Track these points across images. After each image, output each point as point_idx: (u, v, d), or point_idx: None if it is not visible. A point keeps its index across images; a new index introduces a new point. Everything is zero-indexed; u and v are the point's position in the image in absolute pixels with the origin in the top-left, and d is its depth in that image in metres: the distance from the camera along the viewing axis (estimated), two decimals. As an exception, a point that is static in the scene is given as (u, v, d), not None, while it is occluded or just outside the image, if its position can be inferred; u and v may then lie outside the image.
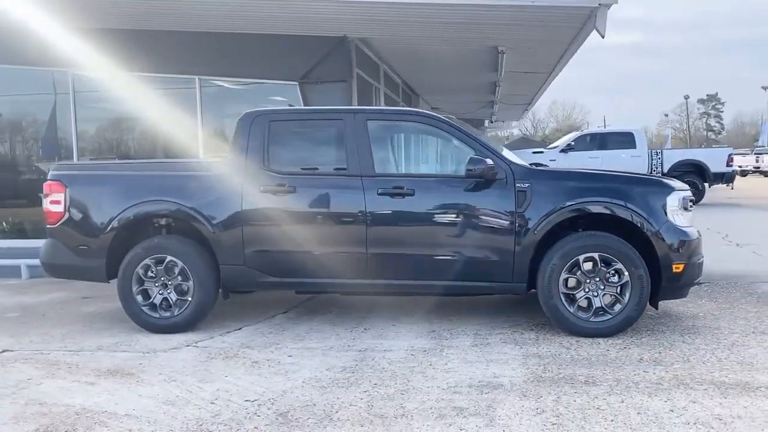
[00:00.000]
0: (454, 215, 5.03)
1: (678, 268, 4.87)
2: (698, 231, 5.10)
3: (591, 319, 4.91)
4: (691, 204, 5.12)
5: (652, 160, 17.14)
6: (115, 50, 8.92)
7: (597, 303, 4.91)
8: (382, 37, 9.40)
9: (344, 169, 5.21)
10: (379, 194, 5.06)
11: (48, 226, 5.56)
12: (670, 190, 4.99)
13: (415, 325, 5.43)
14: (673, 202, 4.93)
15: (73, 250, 5.44)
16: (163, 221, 5.54)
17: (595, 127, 37.26)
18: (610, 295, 4.93)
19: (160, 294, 5.31)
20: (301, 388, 4.02)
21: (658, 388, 3.86)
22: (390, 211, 5.08)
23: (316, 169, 5.37)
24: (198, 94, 9.57)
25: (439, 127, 5.27)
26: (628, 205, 4.87)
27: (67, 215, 5.44)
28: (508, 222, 4.95)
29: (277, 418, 3.56)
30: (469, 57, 10.53)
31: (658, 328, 5.15)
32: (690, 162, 17.10)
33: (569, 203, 4.91)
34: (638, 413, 3.51)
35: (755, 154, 37.54)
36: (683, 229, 4.94)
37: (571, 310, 4.91)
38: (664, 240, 4.84)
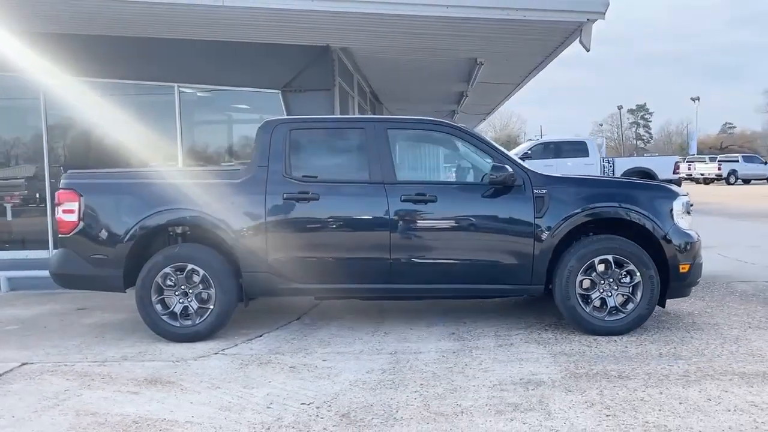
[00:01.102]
0: (476, 221, 5.23)
1: (684, 268, 5.20)
2: (698, 233, 5.45)
3: (605, 318, 5.18)
4: (691, 207, 5.47)
5: (604, 167, 17.86)
6: (91, 56, 8.81)
7: (611, 303, 5.18)
8: (364, 47, 9.53)
9: (366, 176, 5.32)
10: (403, 201, 5.21)
11: (60, 235, 5.46)
12: (676, 195, 5.33)
13: (433, 328, 5.58)
14: (678, 206, 5.26)
15: (87, 260, 5.36)
16: (179, 229, 5.51)
17: (543, 137, 38.28)
18: (623, 295, 5.20)
19: (180, 303, 5.29)
20: (350, 390, 4.11)
21: (688, 380, 4.13)
22: (413, 217, 5.23)
23: (339, 176, 5.45)
24: (177, 101, 9.47)
25: (458, 136, 5.46)
26: (639, 210, 5.17)
27: (81, 224, 5.35)
28: (527, 227, 5.17)
29: (341, 419, 3.65)
30: (446, 68, 10.79)
31: (663, 326, 5.46)
32: (639, 169, 17.91)
33: (585, 208, 5.17)
34: (680, 403, 3.76)
35: (687, 162, 39.38)
36: (687, 231, 5.28)
37: (588, 310, 5.17)
38: (671, 242, 5.16)
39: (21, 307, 7.03)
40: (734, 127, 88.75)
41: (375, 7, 7.28)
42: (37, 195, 9.60)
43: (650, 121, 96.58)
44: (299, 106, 9.30)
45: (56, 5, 7.84)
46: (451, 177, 5.87)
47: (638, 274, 5.12)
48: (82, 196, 5.36)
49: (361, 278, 5.28)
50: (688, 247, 5.22)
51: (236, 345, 5.20)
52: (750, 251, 9.69)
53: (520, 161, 5.43)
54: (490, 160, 5.34)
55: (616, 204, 5.20)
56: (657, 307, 5.44)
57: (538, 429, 3.45)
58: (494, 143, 5.56)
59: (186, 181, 5.48)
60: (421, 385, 4.17)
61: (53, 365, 4.81)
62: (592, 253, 5.15)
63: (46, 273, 7.62)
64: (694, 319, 5.67)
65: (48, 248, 9.41)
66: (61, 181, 5.48)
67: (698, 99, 49.86)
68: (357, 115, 5.51)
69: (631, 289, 5.18)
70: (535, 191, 5.20)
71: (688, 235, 5.26)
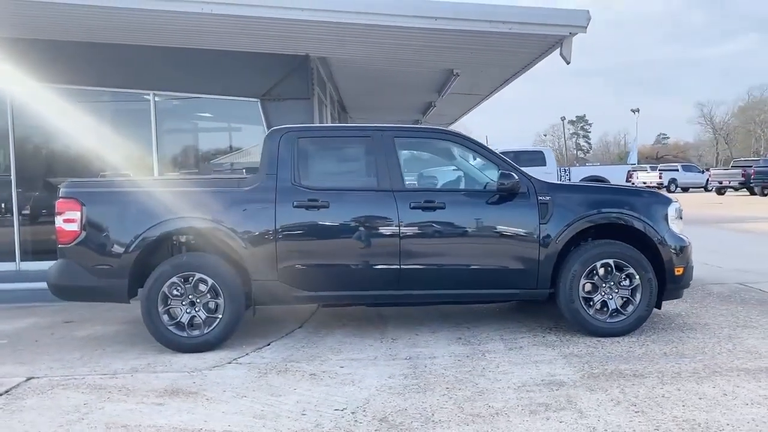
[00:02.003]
0: (484, 227, 5.35)
1: (679, 270, 5.45)
2: (688, 238, 5.71)
3: (607, 320, 5.37)
4: (682, 213, 5.74)
5: (561, 176, 18.38)
6: (62, 63, 8.61)
7: (612, 305, 5.38)
8: (344, 57, 9.61)
9: (375, 184, 5.39)
10: (412, 208, 5.29)
11: (60, 245, 5.31)
12: (669, 201, 5.58)
13: (437, 333, 5.67)
14: (672, 212, 5.52)
15: (90, 271, 5.24)
16: (183, 238, 5.44)
17: (500, 147, 38.97)
18: (623, 298, 5.41)
19: (188, 312, 5.22)
20: (379, 395, 4.16)
21: (699, 377, 4.34)
22: (423, 224, 5.32)
23: (348, 184, 5.50)
24: (152, 109, 9.33)
25: (463, 145, 5.59)
26: (638, 216, 5.40)
27: (83, 234, 5.23)
28: (533, 233, 5.33)
29: (380, 423, 3.69)
30: (420, 78, 10.95)
31: (657, 327, 5.69)
32: (595, 177, 18.51)
33: (587, 214, 5.36)
34: (699, 398, 3.95)
35: (629, 171, 40.70)
36: (681, 236, 5.53)
37: (590, 312, 5.35)
38: (667, 246, 5.40)
39: (2, 321, 6.78)
40: (668, 137, 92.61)
41: (366, 18, 7.38)
42: (2, 205, 9.29)
43: (590, 132, 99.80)
44: (278, 114, 9.31)
45: (28, 9, 7.63)
46: (458, 184, 5.94)
47: (637, 277, 5.34)
48: (84, 205, 5.24)
49: (371, 285, 5.33)
50: (682, 250, 5.48)
51: (247, 354, 5.17)
52: (712, 255, 10.11)
53: (522, 169, 5.59)
54: (494, 168, 5.48)
55: (617, 210, 5.41)
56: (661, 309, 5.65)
57: (576, 427, 3.57)
58: (497, 152, 5.71)
59: (193, 189, 5.42)
60: (447, 388, 4.25)
61: (62, 379, 4.68)
62: (594, 258, 5.34)
63: (11, 286, 7.37)
64: (684, 320, 5.93)
65: (15, 260, 9.13)
66: (62, 190, 5.34)
67: (638, 110, 51.69)
68: (364, 124, 5.55)
69: (630, 291, 5.39)
70: (540, 198, 5.37)
71: (682, 239, 5.52)
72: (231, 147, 10.23)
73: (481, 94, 12.48)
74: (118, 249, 5.20)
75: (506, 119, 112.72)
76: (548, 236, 5.33)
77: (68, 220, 5.24)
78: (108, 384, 4.53)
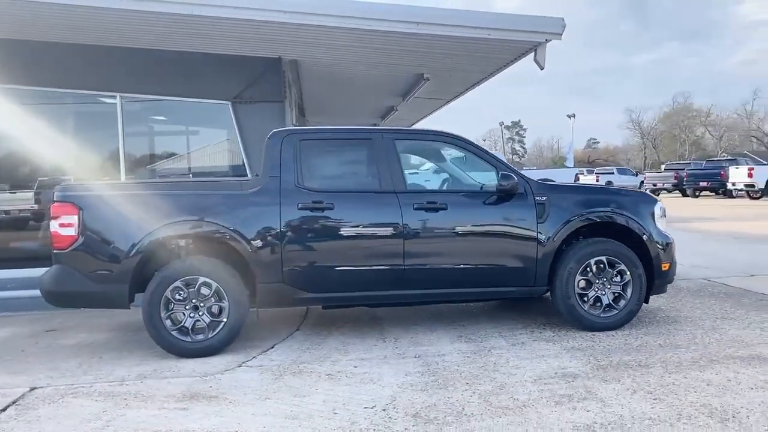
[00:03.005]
0: (485, 227, 5.49)
1: (665, 266, 5.72)
2: (671, 235, 6.01)
3: (601, 315, 5.59)
4: (665, 211, 6.03)
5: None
6: (25, 63, 8.33)
7: (605, 300, 5.61)
8: (316, 60, 9.60)
9: (377, 185, 5.45)
10: (415, 209, 5.38)
11: (56, 251, 5.15)
12: (655, 200, 5.86)
13: (436, 332, 5.76)
14: (657, 210, 5.80)
15: (88, 277, 5.09)
16: (182, 242, 5.37)
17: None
18: (614, 293, 5.64)
19: (191, 317, 5.15)
20: (403, 392, 4.22)
21: (700, 365, 4.59)
22: (426, 225, 5.40)
23: (350, 186, 5.54)
24: (119, 111, 9.11)
25: (462, 146, 5.71)
26: (628, 214, 5.64)
27: (81, 239, 5.09)
28: (531, 232, 5.50)
29: (414, 419, 3.76)
30: (387, 82, 11.04)
31: (644, 320, 5.95)
32: (545, 180, 18.99)
33: (582, 213, 5.57)
34: (707, 385, 4.19)
35: (577, 174, 41.98)
36: (665, 233, 5.82)
37: (585, 308, 5.56)
38: (655, 243, 5.67)
39: (-24, 331, 6.49)
40: (598, 142, 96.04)
41: (348, 22, 7.40)
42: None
43: (524, 137, 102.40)
44: (249, 117, 9.28)
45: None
46: (457, 185, 6.06)
47: (628, 273, 5.58)
48: (81, 209, 5.10)
49: (376, 286, 5.39)
50: (668, 247, 5.76)
51: (254, 357, 5.13)
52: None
53: (518, 170, 5.76)
54: (491, 169, 5.63)
55: (609, 209, 5.64)
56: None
57: (603, 415, 3.73)
58: (494, 153, 5.86)
59: (195, 191, 5.35)
60: (467, 383, 4.35)
61: (68, 388, 4.54)
62: (589, 255, 5.55)
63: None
64: (666, 314, 6.23)
65: (-27, 268, 8.73)
66: (56, 193, 5.18)
67: (574, 116, 53.35)
68: (364, 126, 5.60)
69: (621, 287, 5.62)
70: (537, 198, 5.55)
71: (667, 236, 5.80)
72: (207, 149, 10.09)
73: (443, 98, 12.68)
74: (118, 253, 5.08)
75: (446, 123, 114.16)
76: (545, 235, 5.51)
77: (64, 225, 5.09)
78: (119, 391, 4.43)
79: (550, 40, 7.79)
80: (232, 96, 9.20)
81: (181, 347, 5.12)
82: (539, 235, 5.50)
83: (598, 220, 5.60)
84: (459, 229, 5.46)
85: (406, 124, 16.69)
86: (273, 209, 5.24)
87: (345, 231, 5.33)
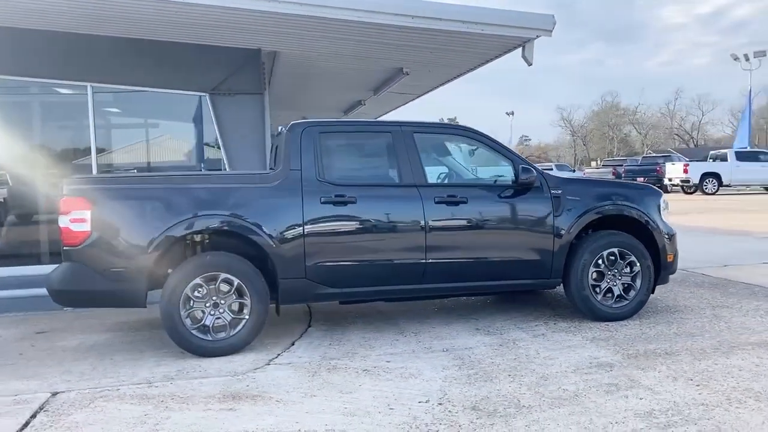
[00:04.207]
0: (504, 220, 5.53)
1: (670, 257, 5.92)
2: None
3: (613, 306, 5.73)
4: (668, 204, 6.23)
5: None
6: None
7: (616, 291, 5.75)
8: (296, 52, 9.42)
9: (398, 179, 5.41)
10: (436, 203, 5.37)
11: (66, 247, 4.88)
12: (660, 193, 6.05)
13: (451, 325, 5.77)
14: (662, 203, 5.98)
15: (102, 274, 4.85)
16: (202, 237, 5.18)
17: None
18: (625, 284, 5.78)
19: (211, 315, 4.98)
20: (449, 386, 4.20)
21: (723, 352, 4.76)
22: (447, 219, 5.40)
23: (371, 180, 5.48)
24: (90, 102, 8.70)
25: (479, 140, 5.73)
26: (638, 207, 5.80)
27: (94, 234, 4.84)
28: (549, 225, 5.58)
29: (475, 412, 3.75)
30: (364, 75, 10.94)
31: (649, 310, 6.09)
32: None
33: (595, 206, 5.68)
34: (739, 370, 4.35)
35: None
36: (669, 225, 6.01)
37: (598, 299, 5.68)
38: (662, 234, 5.84)
39: (-43, 335, 6.08)
40: (530, 139, 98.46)
41: (341, 13, 7.28)
42: None
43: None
44: (228, 110, 9.08)
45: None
46: (474, 179, 6.08)
47: (638, 264, 5.74)
48: (94, 203, 4.84)
49: (398, 280, 5.35)
50: (672, 238, 5.95)
51: (279, 355, 5.01)
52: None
53: (532, 164, 5.82)
54: (506, 163, 5.67)
55: (620, 202, 5.77)
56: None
57: (658, 402, 3.82)
58: (509, 147, 5.91)
59: (215, 185, 5.16)
60: (510, 375, 4.38)
61: (93, 392, 4.31)
62: (602, 247, 5.68)
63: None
64: (664, 304, 6.43)
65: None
66: (66, 187, 4.90)
67: (513, 113, 54.45)
68: (385, 120, 5.53)
69: (631, 278, 5.77)
70: (552, 191, 5.63)
71: (671, 228, 5.99)
72: (184, 142, 9.77)
73: (414, 93, 12.68)
74: (135, 249, 4.85)
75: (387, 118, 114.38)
76: (561, 228, 5.59)
77: (76, 220, 4.82)
78: (152, 393, 4.24)
79: (540, 36, 7.91)
80: (210, 88, 8.96)
81: (202, 346, 4.95)
82: (556, 227, 5.58)
83: (612, 213, 5.72)
84: (480, 222, 5.47)
85: (368, 119, 16.61)
86: (295, 203, 5.12)
87: (368, 225, 5.26)
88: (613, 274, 5.75)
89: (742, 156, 26.77)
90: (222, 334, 4.98)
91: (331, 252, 5.19)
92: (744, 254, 9.49)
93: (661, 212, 5.93)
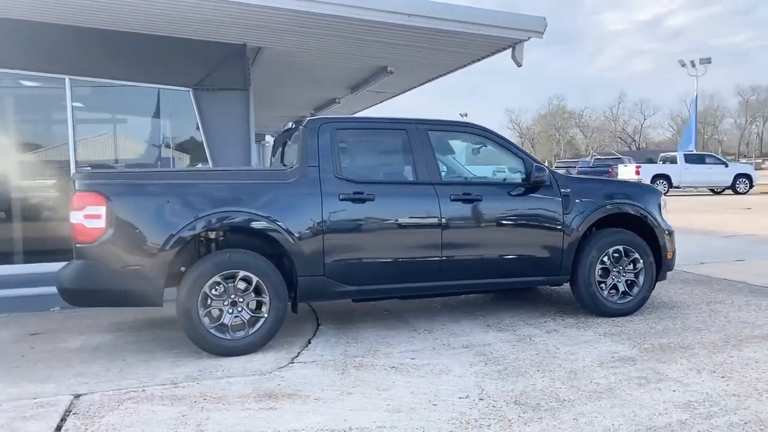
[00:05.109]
0: (517, 218, 5.60)
1: (670, 254, 6.10)
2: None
3: (618, 302, 5.87)
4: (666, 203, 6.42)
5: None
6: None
7: (621, 287, 5.89)
8: (282, 48, 9.31)
9: (414, 177, 5.42)
10: (452, 200, 5.39)
11: (79, 245, 4.70)
12: (660, 192, 6.23)
13: (462, 322, 5.81)
14: (662, 202, 6.16)
15: (117, 273, 4.69)
16: (221, 234, 5.07)
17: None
18: (628, 281, 5.93)
19: (229, 313, 4.88)
20: (483, 381, 4.23)
21: (734, 345, 4.93)
22: (462, 216, 5.43)
23: (388, 177, 5.47)
24: (68, 95, 8.40)
25: (491, 139, 5.78)
26: (641, 206, 5.95)
27: (110, 231, 4.68)
28: (559, 222, 5.67)
29: (519, 406, 3.79)
30: (343, 73, 10.89)
31: (648, 306, 6.26)
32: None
33: (603, 204, 5.81)
34: (755, 362, 4.52)
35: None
36: (669, 223, 6.19)
37: (605, 295, 5.82)
38: (663, 232, 6.02)
39: (-56, 337, 5.79)
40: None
41: (341, 10, 7.23)
42: None
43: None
44: (212, 105, 8.92)
45: None
46: (485, 177, 6.13)
47: (641, 261, 5.90)
48: (110, 199, 4.68)
49: (415, 277, 5.35)
50: (671, 236, 6.14)
51: (300, 354, 4.95)
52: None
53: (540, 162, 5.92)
54: (517, 161, 5.75)
55: (625, 200, 5.92)
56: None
57: (691, 394, 3.93)
58: (519, 146, 5.99)
59: (234, 181, 5.06)
60: (539, 371, 4.44)
61: (117, 393, 4.17)
62: (608, 245, 5.81)
63: None
64: (660, 299, 6.61)
65: None
66: (79, 182, 4.72)
67: (466, 115, 55.10)
68: (399, 117, 5.50)
69: (634, 275, 5.93)
70: (562, 190, 5.73)
71: (670, 226, 6.18)
72: (163, 138, 9.54)
73: (392, 92, 12.69)
74: (152, 247, 4.72)
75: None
76: (571, 225, 5.70)
77: (90, 216, 4.66)
78: (181, 394, 4.13)
79: (530, 38, 8.03)
80: (193, 83, 8.78)
81: (220, 345, 4.84)
82: (565, 225, 5.68)
83: (618, 211, 5.86)
84: (494, 220, 5.53)
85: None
86: (314, 200, 5.07)
87: (387, 222, 5.26)
88: (617, 271, 5.88)
89: (690, 159, 27.77)
90: (240, 333, 4.89)
91: (350, 249, 5.15)
92: (715, 253, 9.84)
93: (661, 210, 6.10)
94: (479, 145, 5.86)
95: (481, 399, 3.92)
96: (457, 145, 5.97)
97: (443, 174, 5.82)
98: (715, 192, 27.53)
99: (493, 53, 8.76)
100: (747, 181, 26.94)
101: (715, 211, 17.95)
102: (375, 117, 5.61)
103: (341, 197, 5.13)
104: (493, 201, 5.55)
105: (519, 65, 8.30)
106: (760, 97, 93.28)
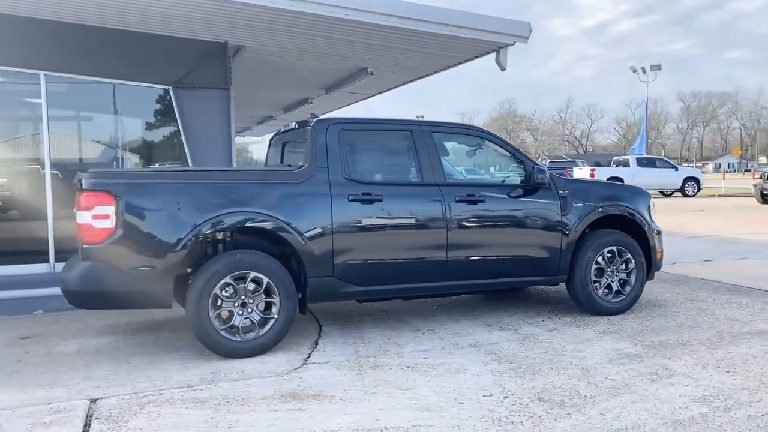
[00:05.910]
0: (519, 219, 5.71)
1: (659, 255, 6.31)
2: (659, 226, 6.60)
3: (612, 300, 6.04)
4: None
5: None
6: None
7: (615, 287, 6.07)
8: (263, 47, 9.23)
9: (419, 178, 5.47)
10: (457, 201, 5.46)
11: (86, 245, 4.58)
12: (649, 195, 6.44)
13: (462, 322, 5.88)
14: (651, 204, 6.37)
15: (127, 274, 4.60)
16: (232, 235, 5.01)
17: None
18: (621, 280, 6.11)
19: (239, 314, 4.83)
20: (501, 379, 4.31)
21: (729, 341, 5.14)
22: (467, 217, 5.51)
23: (394, 178, 5.50)
24: (43, 91, 8.15)
25: (492, 141, 5.88)
26: (633, 208, 6.14)
27: (120, 232, 4.58)
28: (558, 224, 5.81)
29: (543, 403, 3.87)
30: (321, 74, 10.86)
31: (636, 304, 6.43)
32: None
33: (598, 206, 5.97)
34: (753, 357, 4.72)
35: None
36: (657, 224, 6.41)
37: (600, 294, 5.98)
38: (653, 233, 6.23)
39: (-72, 342, 5.55)
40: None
41: (330, 10, 7.22)
42: None
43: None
44: (192, 104, 8.79)
45: None
46: (486, 178, 6.21)
47: (633, 261, 6.09)
48: (119, 198, 4.58)
49: (420, 277, 5.40)
50: (659, 237, 6.35)
51: (311, 354, 4.94)
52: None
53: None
54: (518, 163, 5.86)
55: (619, 202, 6.10)
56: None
57: (704, 388, 4.09)
58: (519, 149, 6.10)
59: (245, 181, 5.01)
60: (552, 368, 4.54)
61: (134, 397, 4.09)
62: (603, 245, 5.98)
63: None
64: (646, 299, 6.79)
65: None
66: (86, 181, 4.60)
67: (422, 116, 55.38)
68: (405, 119, 5.55)
69: (627, 274, 6.11)
70: (560, 191, 5.86)
71: (659, 227, 6.39)
72: (143, 138, 9.34)
73: (367, 93, 12.71)
74: (163, 247, 4.63)
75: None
76: (568, 226, 5.84)
77: (99, 216, 4.54)
78: (202, 397, 4.07)
79: (515, 43, 8.17)
80: (173, 81, 8.64)
81: (231, 347, 4.79)
82: (564, 226, 5.82)
83: (613, 212, 6.03)
84: (497, 220, 5.63)
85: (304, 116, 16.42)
86: (324, 201, 5.06)
87: (395, 223, 5.29)
88: (611, 271, 6.06)
89: (642, 162, 28.66)
90: (251, 334, 4.85)
91: (358, 250, 5.17)
92: (684, 253, 10.19)
93: (651, 212, 6.31)
94: (481, 148, 5.94)
95: (506, 397, 3.99)
96: (459, 147, 6.03)
97: (447, 175, 5.89)
98: (664, 194, 28.45)
99: (476, 57, 8.88)
100: (695, 185, 27.97)
101: (671, 213, 18.55)
102: (380, 118, 5.63)
103: (350, 198, 5.14)
104: (496, 202, 5.65)
105: (503, 69, 8.43)
106: (700, 102, 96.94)
